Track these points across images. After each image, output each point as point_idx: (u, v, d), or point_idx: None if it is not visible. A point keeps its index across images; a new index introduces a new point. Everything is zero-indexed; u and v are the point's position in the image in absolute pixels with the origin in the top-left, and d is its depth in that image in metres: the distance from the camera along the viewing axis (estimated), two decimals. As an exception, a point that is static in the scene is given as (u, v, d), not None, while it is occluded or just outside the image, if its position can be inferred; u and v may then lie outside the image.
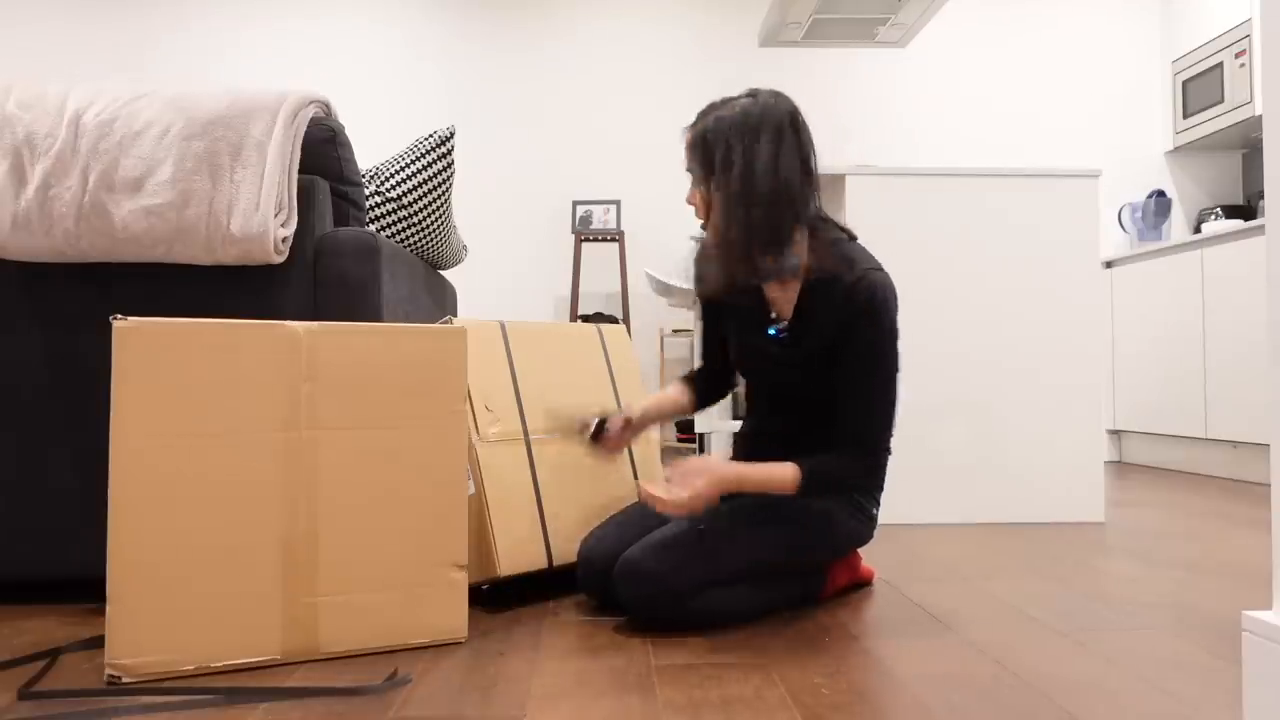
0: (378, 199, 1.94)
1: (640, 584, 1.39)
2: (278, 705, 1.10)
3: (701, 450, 3.61)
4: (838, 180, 2.53)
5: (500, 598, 1.63)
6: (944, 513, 2.48)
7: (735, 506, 1.52)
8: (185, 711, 1.08)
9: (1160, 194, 4.32)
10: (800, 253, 1.51)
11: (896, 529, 2.37)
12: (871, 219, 2.48)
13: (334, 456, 1.28)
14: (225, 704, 1.10)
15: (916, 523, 2.46)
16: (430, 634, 1.33)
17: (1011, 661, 1.26)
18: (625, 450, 1.79)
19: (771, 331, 1.59)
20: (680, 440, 4.26)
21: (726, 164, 1.46)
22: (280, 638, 1.24)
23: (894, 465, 2.45)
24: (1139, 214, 4.37)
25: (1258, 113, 3.85)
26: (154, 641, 1.17)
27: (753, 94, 1.51)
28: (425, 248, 2.07)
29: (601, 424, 1.63)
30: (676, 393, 1.77)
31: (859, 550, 1.70)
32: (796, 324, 1.56)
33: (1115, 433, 4.31)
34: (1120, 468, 4.03)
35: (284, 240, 1.55)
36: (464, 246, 2.37)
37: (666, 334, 4.36)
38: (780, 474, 1.45)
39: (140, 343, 1.19)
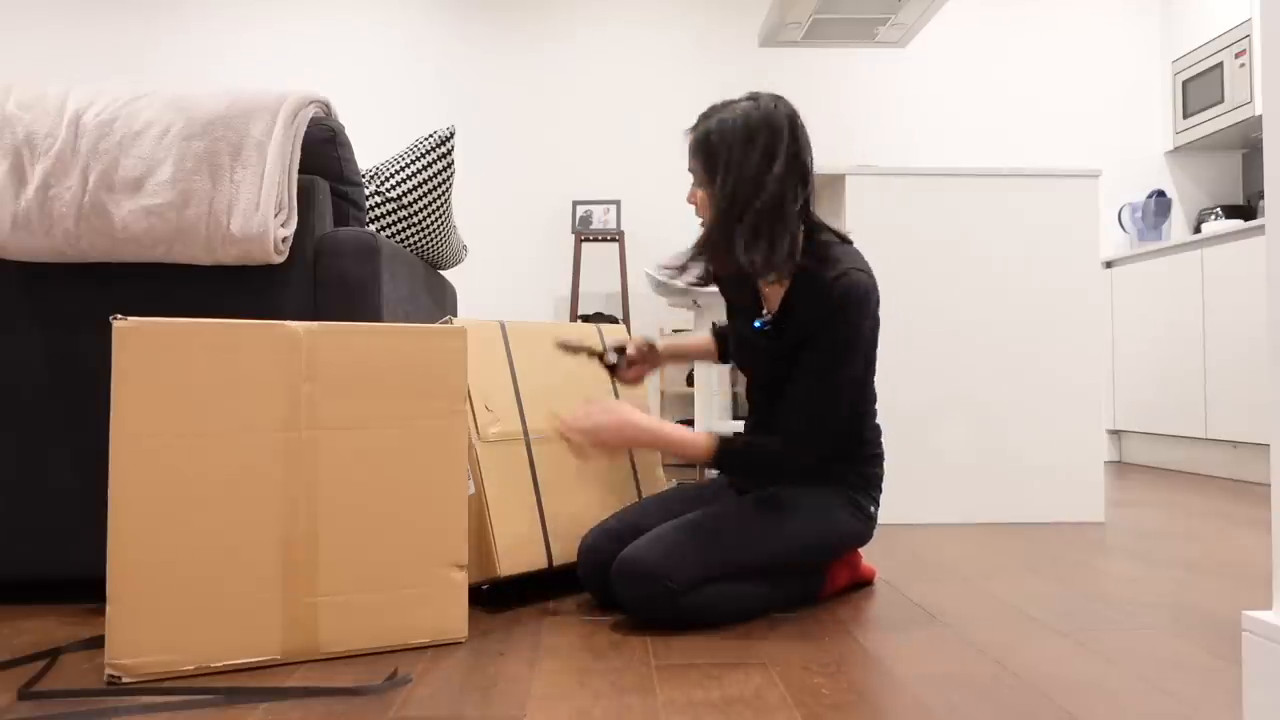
0: (378, 199, 1.94)
1: (639, 581, 1.39)
2: (278, 705, 1.10)
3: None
4: (838, 180, 2.53)
5: (500, 598, 1.63)
6: (944, 513, 2.48)
7: (733, 503, 1.54)
8: (185, 711, 1.08)
9: (1160, 194, 4.32)
10: (795, 253, 1.53)
11: (896, 529, 2.37)
12: (871, 219, 2.49)
13: (334, 456, 1.28)
14: (225, 704, 1.10)
15: (916, 523, 2.46)
16: (430, 634, 1.33)
17: (1011, 661, 1.26)
18: (644, 385, 1.86)
19: (757, 324, 1.63)
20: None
21: (729, 166, 1.49)
22: (280, 638, 1.24)
23: (894, 465, 2.45)
24: (1139, 214, 4.37)
25: (1258, 113, 3.85)
26: (154, 641, 1.17)
27: (754, 98, 1.53)
28: (425, 248, 2.07)
29: (620, 351, 1.70)
30: (705, 340, 1.87)
31: (859, 550, 1.70)
32: (781, 317, 1.59)
33: (1115, 433, 4.31)
34: (1120, 468, 4.03)
35: (284, 240, 1.55)
36: (464, 246, 2.37)
37: (666, 334, 4.36)
38: (694, 440, 1.50)
39: (140, 343, 1.19)
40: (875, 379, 1.68)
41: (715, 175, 1.51)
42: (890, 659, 1.27)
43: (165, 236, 1.53)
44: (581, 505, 1.69)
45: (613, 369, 1.76)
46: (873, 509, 1.64)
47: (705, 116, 1.55)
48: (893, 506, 2.46)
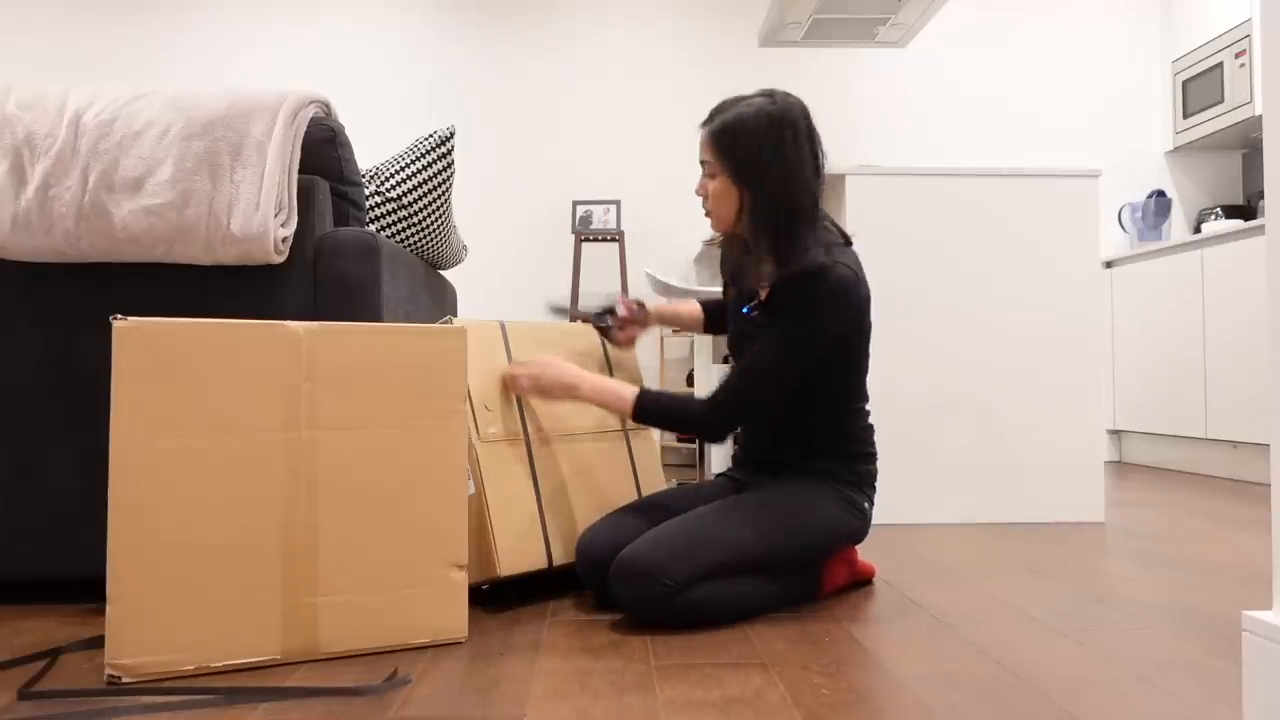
0: (378, 199, 1.94)
1: (637, 580, 1.40)
2: (278, 705, 1.10)
3: (701, 451, 3.61)
4: (838, 180, 2.53)
5: (500, 598, 1.63)
6: (944, 513, 2.48)
7: (730, 502, 1.55)
8: (185, 711, 1.08)
9: (1160, 194, 4.32)
10: (808, 244, 1.56)
11: (896, 529, 2.37)
12: (871, 219, 2.49)
13: (334, 456, 1.28)
14: (225, 704, 1.10)
15: (916, 523, 2.46)
16: (430, 634, 1.33)
17: (1011, 661, 1.26)
18: (636, 346, 1.91)
19: (745, 310, 1.68)
20: (680, 440, 4.26)
21: (753, 157, 1.54)
22: (280, 638, 1.24)
23: (894, 465, 2.45)
24: (1139, 214, 4.37)
25: (1258, 113, 3.85)
26: (154, 641, 1.17)
27: (769, 94, 1.58)
28: (425, 248, 2.07)
29: (611, 312, 1.76)
30: (694, 308, 1.93)
31: (856, 547, 1.71)
32: (766, 304, 1.62)
33: (1115, 433, 4.31)
34: (1120, 468, 4.03)
35: (284, 240, 1.55)
36: (464, 246, 2.37)
37: (666, 334, 4.36)
38: (619, 391, 1.57)
39: (140, 343, 1.19)
40: (870, 378, 1.69)
41: (736, 166, 1.55)
42: (890, 659, 1.27)
43: (165, 236, 1.53)
44: (581, 505, 1.69)
45: (605, 330, 1.80)
46: (867, 506, 1.66)
47: (720, 110, 1.59)
48: (893, 506, 2.46)
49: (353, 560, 1.28)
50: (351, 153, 1.71)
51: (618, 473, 1.80)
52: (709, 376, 3.21)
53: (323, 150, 1.66)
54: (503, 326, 1.70)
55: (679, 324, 1.94)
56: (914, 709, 1.08)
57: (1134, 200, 4.43)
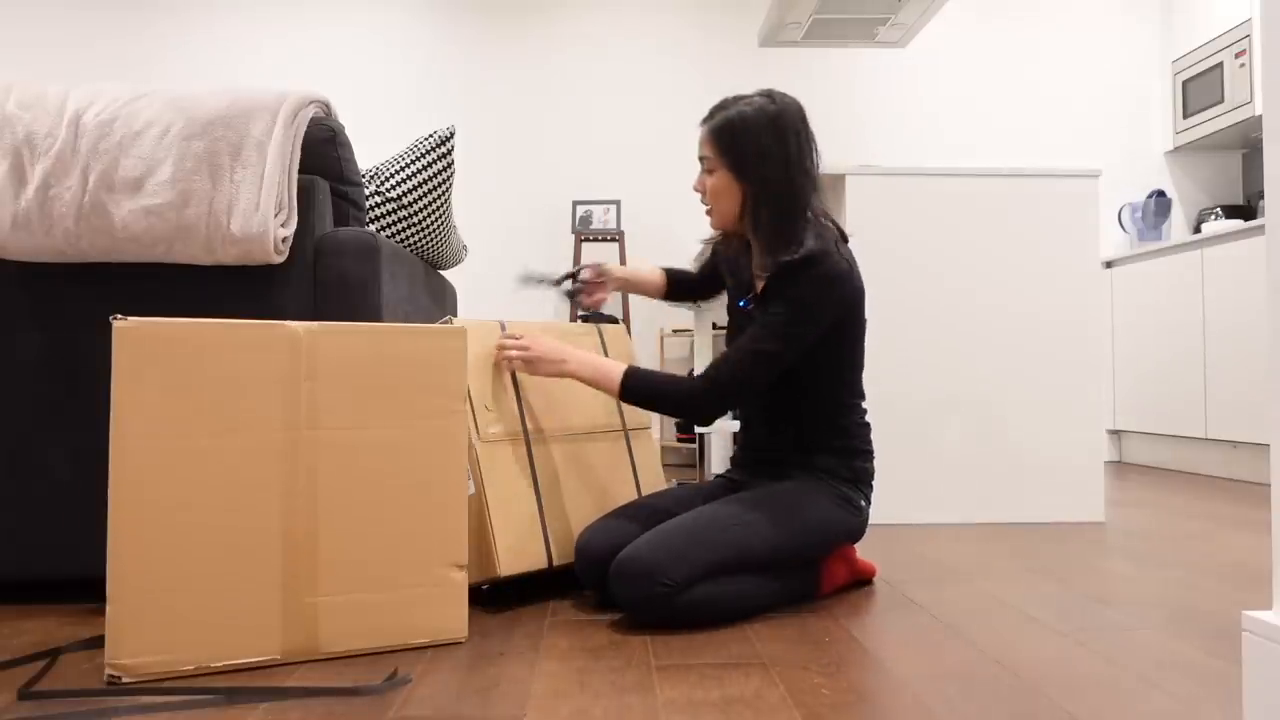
0: (378, 199, 1.94)
1: (636, 580, 1.40)
2: (278, 705, 1.10)
3: (701, 451, 3.61)
4: (838, 180, 2.53)
5: (500, 598, 1.63)
6: (944, 513, 2.48)
7: (728, 501, 1.55)
8: (185, 711, 1.08)
9: (1160, 194, 4.32)
10: (805, 238, 1.57)
11: (896, 529, 2.37)
12: (871, 219, 2.48)
13: (334, 456, 1.28)
14: (225, 704, 1.10)
15: (916, 522, 2.46)
16: (430, 634, 1.33)
17: (1011, 661, 1.26)
18: (603, 308, 1.98)
19: (742, 303, 1.70)
20: (680, 440, 4.26)
21: (755, 153, 1.57)
22: (280, 638, 1.24)
23: (894, 465, 2.45)
24: (1139, 214, 4.36)
25: (1258, 113, 3.85)
26: (154, 641, 1.17)
27: (768, 94, 1.61)
28: (425, 248, 2.07)
29: (574, 277, 1.82)
30: (656, 274, 1.96)
31: (854, 546, 1.71)
32: (761, 297, 1.64)
33: (1115, 433, 4.31)
34: (1120, 468, 4.03)
35: (284, 240, 1.55)
36: (464, 246, 2.37)
37: (666, 334, 4.36)
38: (608, 368, 1.57)
39: (140, 343, 1.19)
40: (869, 377, 1.69)
41: (737, 162, 1.58)
42: (890, 659, 1.27)
43: (165, 236, 1.53)
44: (581, 505, 1.69)
45: (572, 295, 1.85)
46: (864, 503, 1.67)
47: (721, 107, 1.62)
48: (893, 506, 2.46)
49: (353, 560, 1.28)
50: (351, 153, 1.71)
51: (618, 473, 1.80)
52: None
53: (323, 150, 1.66)
54: (503, 326, 1.70)
55: (640, 289, 1.96)
56: (914, 708, 1.08)
57: (1134, 200, 4.43)
